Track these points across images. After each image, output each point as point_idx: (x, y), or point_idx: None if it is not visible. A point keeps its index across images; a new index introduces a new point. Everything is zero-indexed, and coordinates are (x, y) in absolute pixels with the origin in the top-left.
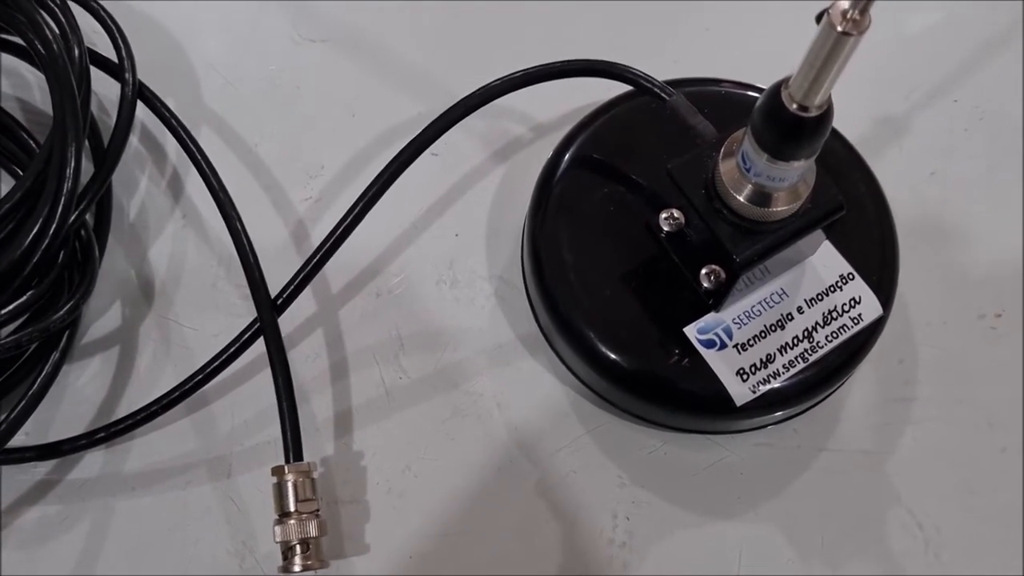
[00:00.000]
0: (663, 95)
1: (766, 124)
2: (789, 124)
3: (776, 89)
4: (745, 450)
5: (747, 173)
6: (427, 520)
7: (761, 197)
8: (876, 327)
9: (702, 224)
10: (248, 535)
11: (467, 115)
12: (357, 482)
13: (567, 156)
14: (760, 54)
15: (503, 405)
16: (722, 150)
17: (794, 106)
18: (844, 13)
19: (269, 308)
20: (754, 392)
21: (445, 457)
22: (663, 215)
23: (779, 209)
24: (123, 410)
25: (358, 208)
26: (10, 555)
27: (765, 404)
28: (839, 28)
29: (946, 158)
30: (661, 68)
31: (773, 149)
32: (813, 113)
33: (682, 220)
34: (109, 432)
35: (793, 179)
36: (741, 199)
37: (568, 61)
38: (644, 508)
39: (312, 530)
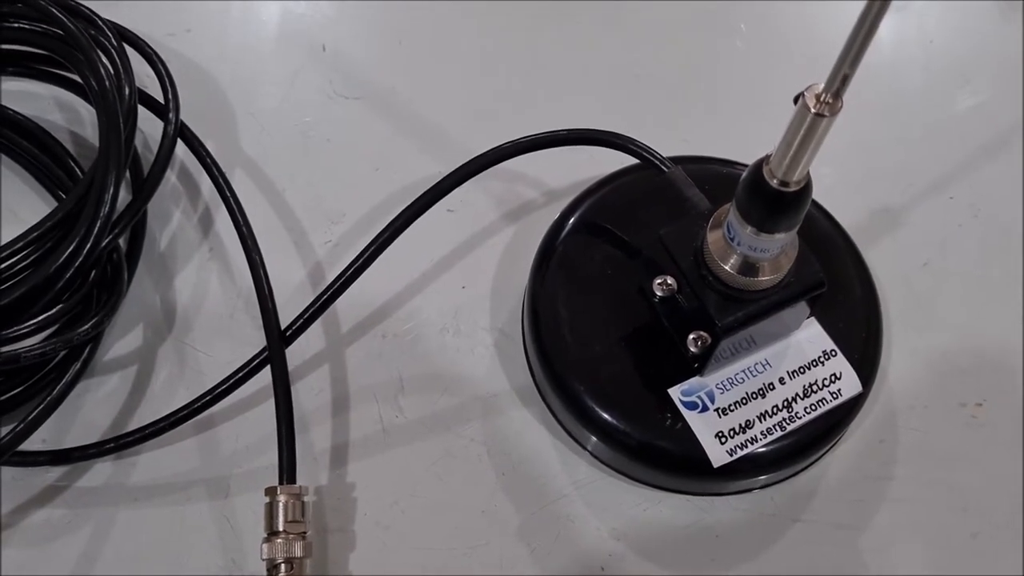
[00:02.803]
0: (663, 167)
1: (749, 198)
2: (771, 198)
3: (758, 165)
4: (723, 513)
5: (732, 243)
6: (410, 555)
7: (745, 267)
8: (855, 404)
9: (691, 290)
10: (238, 553)
11: (478, 173)
12: (346, 512)
13: (572, 219)
14: (767, 138)
15: (493, 451)
16: (711, 221)
17: (775, 181)
18: (818, 96)
19: (277, 337)
20: (731, 455)
21: (432, 496)
22: (656, 281)
23: (762, 279)
24: (134, 425)
25: (369, 251)
26: (15, 553)
27: (741, 468)
28: (813, 110)
29: (939, 251)
30: (671, 145)
31: (756, 221)
32: (793, 188)
33: (674, 287)
34: (118, 443)
35: (775, 251)
36: (727, 268)
37: (574, 129)
38: (618, 561)
39: (298, 550)
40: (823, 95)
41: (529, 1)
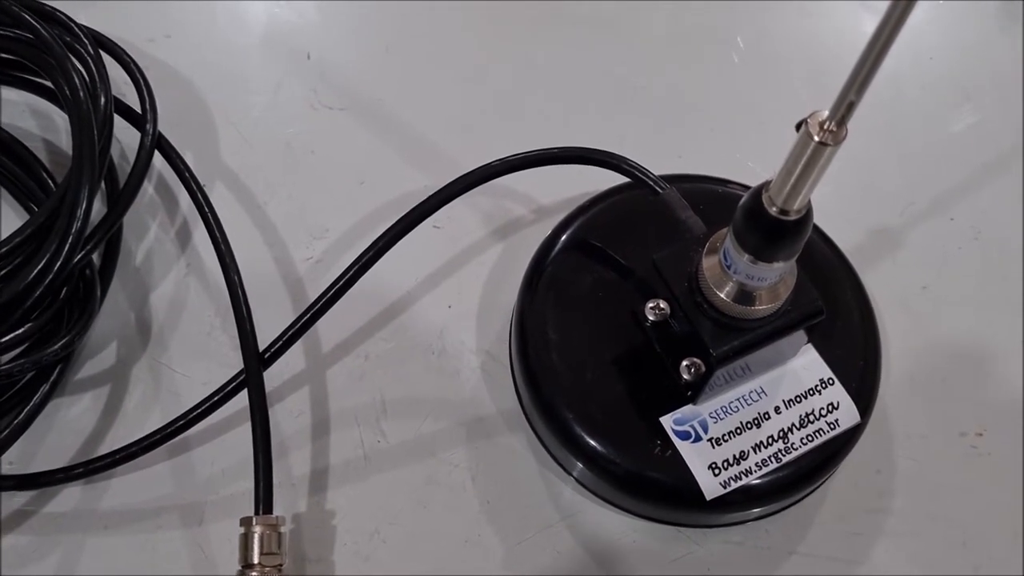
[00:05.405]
0: (656, 188)
1: (747, 225)
2: (769, 227)
3: (757, 192)
4: (715, 546)
5: (728, 270)
6: None
7: (742, 295)
8: (853, 434)
9: (684, 317)
10: None
11: (465, 191)
12: (325, 541)
13: (562, 239)
14: (762, 154)
15: (477, 478)
16: (706, 246)
17: (774, 209)
18: (822, 124)
19: (256, 360)
20: (725, 487)
21: (415, 525)
22: (649, 305)
23: (759, 308)
24: (106, 448)
25: (352, 271)
26: None
27: (735, 500)
28: (817, 138)
29: (939, 274)
30: (665, 161)
31: (754, 250)
32: (792, 217)
33: (667, 311)
34: (87, 468)
35: (773, 279)
36: (722, 296)
37: (565, 148)
38: None
39: None
40: (827, 123)
41: (522, 13)
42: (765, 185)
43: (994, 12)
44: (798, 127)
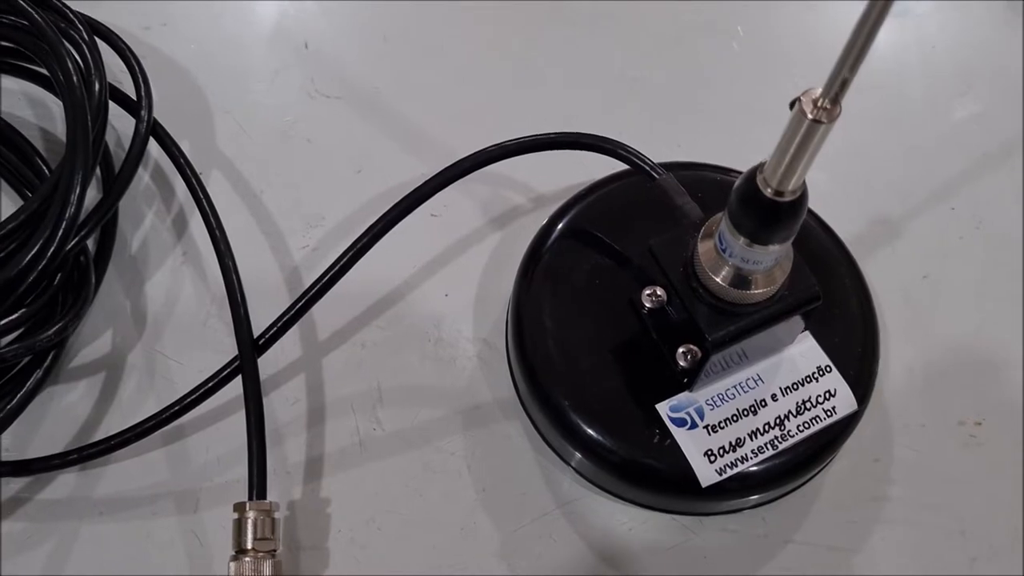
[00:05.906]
0: (653, 174)
1: (742, 208)
2: (764, 208)
3: (752, 174)
4: (711, 534)
5: (724, 254)
6: (385, 574)
7: (738, 279)
8: (850, 422)
9: (680, 303)
10: (206, 570)
11: (461, 177)
12: (320, 529)
13: (559, 226)
14: (762, 143)
15: (473, 467)
16: (702, 231)
17: (769, 191)
18: (815, 102)
19: (250, 346)
20: (721, 475)
21: (410, 513)
22: (646, 292)
23: (755, 292)
24: (101, 435)
25: (348, 257)
26: None
27: (731, 488)
28: (810, 116)
29: (939, 264)
30: (664, 149)
31: (749, 232)
32: (788, 198)
33: (664, 298)
34: (82, 455)
35: (769, 263)
36: (718, 280)
37: (561, 133)
38: None
39: (266, 569)
40: (821, 100)
41: (522, 4)
42: (759, 166)
43: (996, 2)
44: (792, 105)
